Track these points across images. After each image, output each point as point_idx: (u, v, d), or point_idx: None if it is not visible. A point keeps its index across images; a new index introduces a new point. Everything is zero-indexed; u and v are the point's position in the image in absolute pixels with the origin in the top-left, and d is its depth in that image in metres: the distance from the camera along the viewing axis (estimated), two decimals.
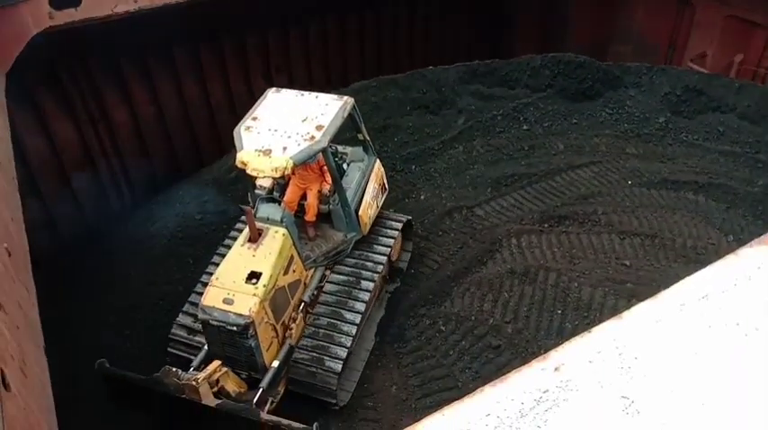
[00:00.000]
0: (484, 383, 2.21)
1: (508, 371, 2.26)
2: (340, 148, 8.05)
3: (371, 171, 7.98)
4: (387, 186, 8.44)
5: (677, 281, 2.55)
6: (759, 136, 10.74)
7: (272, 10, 10.93)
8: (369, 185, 7.84)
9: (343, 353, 6.88)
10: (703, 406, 2.09)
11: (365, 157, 8.03)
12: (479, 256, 8.56)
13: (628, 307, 2.50)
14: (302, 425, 5.88)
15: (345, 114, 7.07)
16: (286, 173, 6.48)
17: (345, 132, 7.74)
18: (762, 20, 12.02)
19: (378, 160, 8.21)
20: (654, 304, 2.45)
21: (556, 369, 2.21)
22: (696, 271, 2.60)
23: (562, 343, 2.37)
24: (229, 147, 10.72)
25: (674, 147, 11.01)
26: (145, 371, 6.29)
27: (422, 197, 9.79)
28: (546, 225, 9.06)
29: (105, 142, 10.35)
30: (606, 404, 2.11)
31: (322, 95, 7.25)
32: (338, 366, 6.77)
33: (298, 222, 7.25)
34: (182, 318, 7.22)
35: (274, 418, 6.00)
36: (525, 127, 11.18)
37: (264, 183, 6.85)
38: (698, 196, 9.76)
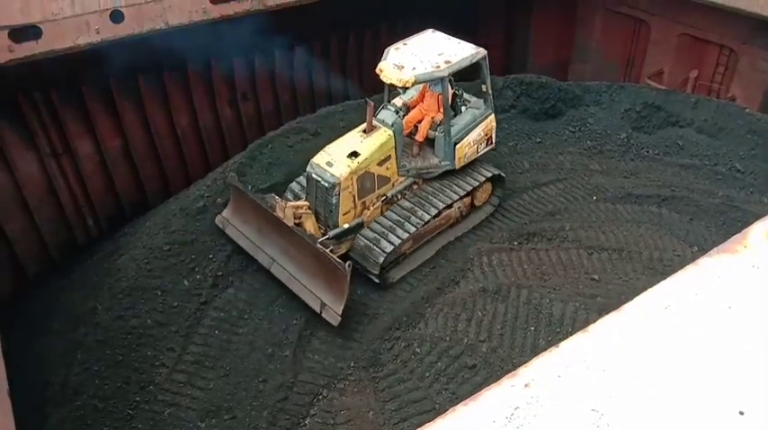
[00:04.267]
0: None
1: None
2: (466, 95, 9.61)
3: (483, 120, 9.41)
4: (494, 141, 9.81)
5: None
6: (717, 149, 11.06)
7: (237, 39, 10.95)
8: (475, 129, 9.29)
9: (396, 241, 8.51)
10: (671, 414, 2.13)
11: (482, 107, 9.47)
12: (452, 276, 8.60)
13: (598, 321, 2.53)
14: (340, 260, 7.62)
15: (473, 60, 8.78)
16: (407, 85, 8.23)
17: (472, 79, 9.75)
18: (713, 37, 12.46)
19: (493, 114, 9.60)
20: (619, 316, 2.48)
21: (526, 385, 2.22)
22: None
23: None
24: (196, 177, 10.68)
25: (636, 162, 11.26)
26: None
27: None
28: (515, 242, 9.15)
29: (69, 175, 10.14)
30: (577, 418, 2.12)
31: (464, 42, 9.00)
32: (389, 247, 8.42)
33: (410, 141, 9.14)
34: (300, 179, 9.16)
35: (323, 249, 7.76)
36: None
37: (398, 102, 9.37)
38: (661, 209, 9.96)
